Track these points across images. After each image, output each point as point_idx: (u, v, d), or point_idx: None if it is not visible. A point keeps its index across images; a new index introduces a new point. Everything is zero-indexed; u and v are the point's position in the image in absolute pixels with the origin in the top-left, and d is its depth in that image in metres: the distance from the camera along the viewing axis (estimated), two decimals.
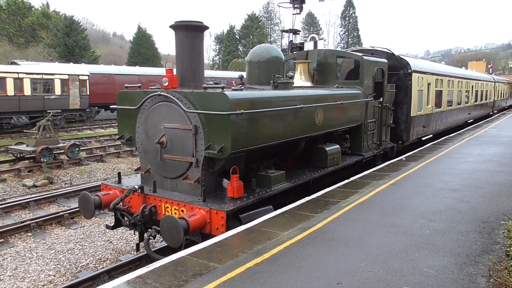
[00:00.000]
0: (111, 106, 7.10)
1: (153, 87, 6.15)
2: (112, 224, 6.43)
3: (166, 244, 6.90)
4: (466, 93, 18.22)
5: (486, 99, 23.34)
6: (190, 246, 4.59)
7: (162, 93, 5.61)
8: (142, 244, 6.36)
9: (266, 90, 6.25)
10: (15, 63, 24.63)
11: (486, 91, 23.34)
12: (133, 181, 6.49)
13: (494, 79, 26.80)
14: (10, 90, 20.88)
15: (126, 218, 5.89)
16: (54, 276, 6.29)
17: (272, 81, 6.51)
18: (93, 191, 9.81)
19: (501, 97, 29.55)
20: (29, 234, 8.00)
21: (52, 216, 8.68)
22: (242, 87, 5.85)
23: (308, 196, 6.57)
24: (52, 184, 12.06)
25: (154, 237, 5.49)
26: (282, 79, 6.57)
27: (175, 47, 5.87)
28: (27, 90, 21.59)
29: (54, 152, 13.59)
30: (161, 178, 5.90)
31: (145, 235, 5.59)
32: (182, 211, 5.33)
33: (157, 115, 5.76)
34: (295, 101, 6.39)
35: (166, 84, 5.56)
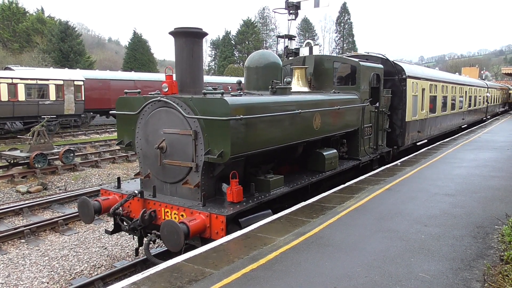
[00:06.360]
0: (110, 112, 7.11)
1: (152, 93, 6.18)
2: (111, 229, 6.42)
3: (163, 250, 6.90)
4: (460, 99, 18.39)
5: (479, 105, 23.57)
6: (190, 250, 4.58)
7: (162, 98, 5.64)
8: (141, 249, 6.34)
9: (264, 96, 6.28)
10: (9, 69, 24.49)
11: (480, 96, 23.59)
12: (133, 186, 6.48)
13: (487, 85, 27.10)
14: (4, 96, 20.74)
15: (125, 223, 5.88)
16: (47, 283, 6.21)
17: (270, 86, 6.54)
18: (88, 197, 9.74)
19: (494, 102, 29.87)
20: (23, 240, 7.91)
21: (46, 223, 8.60)
22: (241, 93, 5.89)
23: (307, 200, 6.58)
24: (46, 190, 11.96)
25: (154, 241, 5.48)
26: (280, 84, 6.61)
27: (174, 53, 5.92)
28: (21, 96, 21.46)
29: (49, 158, 13.49)
30: (161, 183, 5.91)
31: (145, 239, 5.57)
32: (182, 215, 5.34)
33: (157, 120, 5.78)
34: (293, 106, 6.43)
35: (166, 89, 5.60)
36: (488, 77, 66.10)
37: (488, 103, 26.59)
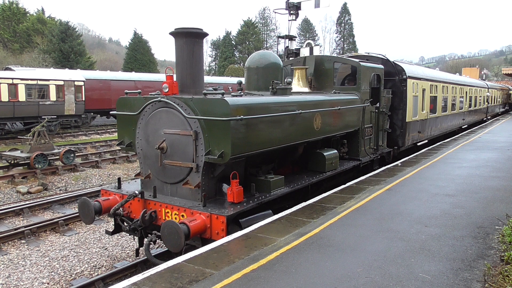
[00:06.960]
0: (111, 112, 7.12)
1: (153, 93, 6.19)
2: (112, 229, 6.42)
3: (163, 250, 6.90)
4: (461, 99, 18.38)
5: (480, 105, 23.56)
6: (191, 251, 4.59)
7: (162, 99, 5.65)
8: (141, 249, 6.34)
9: (265, 96, 6.29)
10: (10, 69, 24.52)
11: (480, 97, 23.57)
12: (133, 186, 6.49)
13: (487, 85, 27.09)
14: (4, 96, 20.75)
15: (126, 224, 5.88)
16: (48, 284, 6.21)
17: (270, 87, 6.55)
18: (88, 198, 9.75)
19: (494, 103, 29.85)
20: (23, 241, 7.91)
21: (46, 223, 8.60)
22: (241, 93, 5.89)
23: (307, 201, 6.58)
24: (46, 191, 11.96)
25: (155, 242, 5.50)
26: (280, 85, 6.62)
27: (175, 54, 5.93)
28: (22, 96, 21.48)
29: (49, 158, 13.49)
30: (161, 183, 5.92)
31: (145, 240, 5.58)
32: (183, 216, 5.34)
33: (158, 121, 5.79)
34: (293, 107, 6.44)
35: (167, 90, 5.62)
36: (488, 76, 66.06)
37: (488, 103, 26.59)
